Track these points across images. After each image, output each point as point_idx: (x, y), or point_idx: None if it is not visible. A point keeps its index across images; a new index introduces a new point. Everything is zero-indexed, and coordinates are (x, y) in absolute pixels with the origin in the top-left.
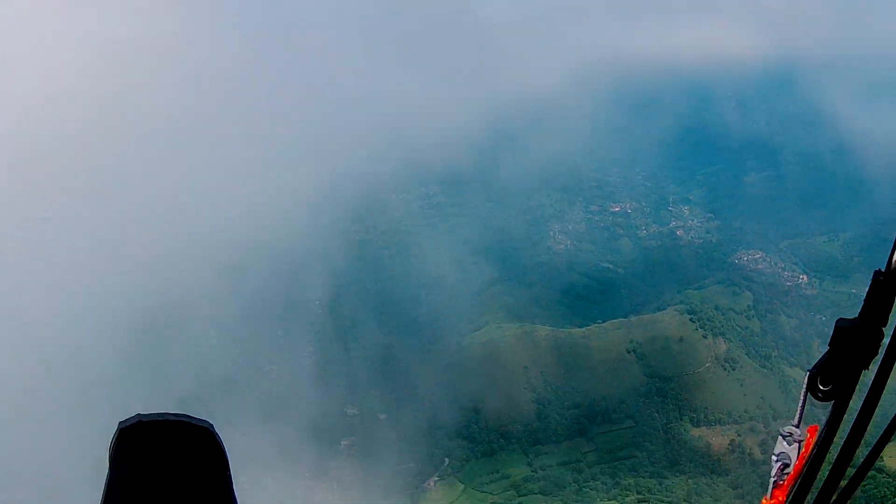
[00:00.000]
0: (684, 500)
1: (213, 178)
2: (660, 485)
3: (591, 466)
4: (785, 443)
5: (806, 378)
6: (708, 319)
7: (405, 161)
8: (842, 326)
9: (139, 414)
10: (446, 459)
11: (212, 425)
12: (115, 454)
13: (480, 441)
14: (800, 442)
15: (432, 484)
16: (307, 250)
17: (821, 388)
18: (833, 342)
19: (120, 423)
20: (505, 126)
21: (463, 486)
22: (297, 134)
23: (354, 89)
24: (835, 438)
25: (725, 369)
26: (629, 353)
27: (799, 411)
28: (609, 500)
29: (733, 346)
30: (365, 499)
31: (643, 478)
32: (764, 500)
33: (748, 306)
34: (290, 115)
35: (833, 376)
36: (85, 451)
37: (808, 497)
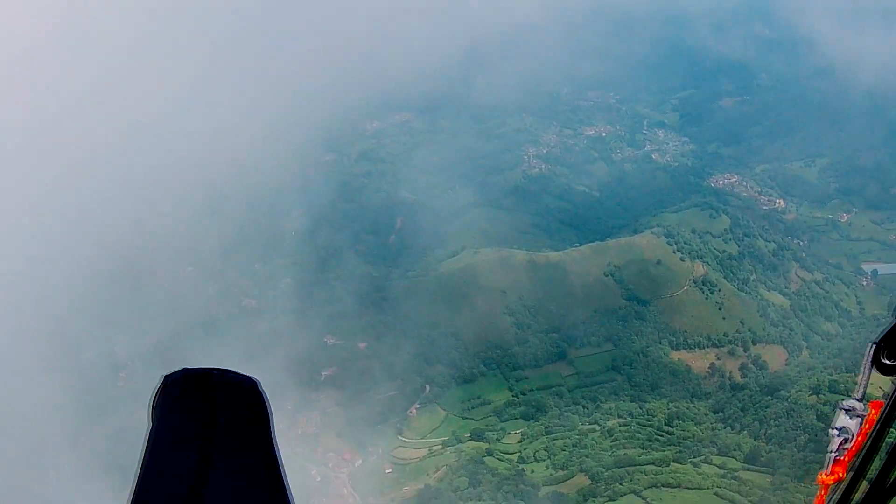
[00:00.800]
0: (665, 424)
1: (185, 110)
2: (640, 408)
3: (571, 390)
4: (846, 417)
5: (870, 350)
6: (685, 243)
7: (378, 87)
8: None
9: (185, 367)
10: (427, 386)
11: (257, 380)
12: (159, 405)
13: (461, 367)
14: (861, 417)
15: (414, 412)
16: (282, 181)
17: (885, 361)
18: None
19: (165, 375)
20: (479, 50)
21: (445, 412)
22: (270, 63)
23: (326, 16)
24: None
25: (704, 293)
26: (607, 276)
27: (861, 385)
28: (590, 423)
29: (711, 270)
30: (347, 428)
31: (624, 401)
32: (822, 475)
33: (725, 230)
34: (262, 44)
35: None
36: (61, 400)
37: (869, 474)
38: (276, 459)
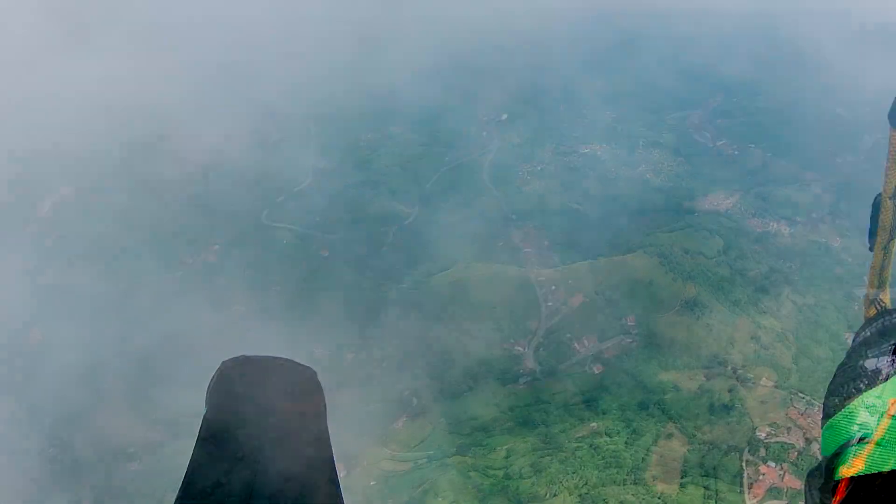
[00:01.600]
0: (652, 444)
1: (182, 111)
2: (628, 427)
3: (559, 408)
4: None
5: None
6: (677, 263)
7: (376, 96)
8: None
9: (244, 354)
10: (414, 399)
11: (315, 370)
12: (216, 391)
13: (449, 381)
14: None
15: (400, 424)
16: (275, 184)
17: None
18: None
19: (223, 361)
20: (477, 60)
21: (431, 426)
22: (268, 67)
23: (325, 21)
24: None
25: (695, 314)
26: (597, 295)
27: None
28: (577, 441)
29: (703, 291)
30: (332, 439)
31: (612, 420)
32: (843, 468)
33: (718, 251)
34: (261, 47)
35: None
36: (39, 403)
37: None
38: (330, 449)
